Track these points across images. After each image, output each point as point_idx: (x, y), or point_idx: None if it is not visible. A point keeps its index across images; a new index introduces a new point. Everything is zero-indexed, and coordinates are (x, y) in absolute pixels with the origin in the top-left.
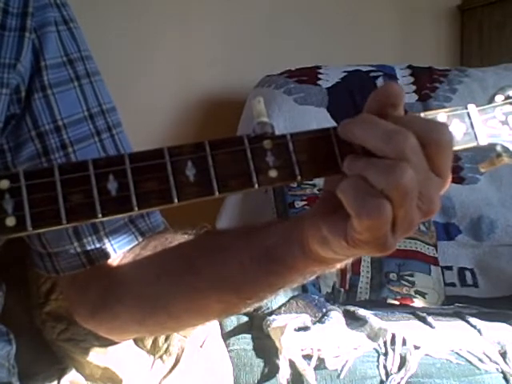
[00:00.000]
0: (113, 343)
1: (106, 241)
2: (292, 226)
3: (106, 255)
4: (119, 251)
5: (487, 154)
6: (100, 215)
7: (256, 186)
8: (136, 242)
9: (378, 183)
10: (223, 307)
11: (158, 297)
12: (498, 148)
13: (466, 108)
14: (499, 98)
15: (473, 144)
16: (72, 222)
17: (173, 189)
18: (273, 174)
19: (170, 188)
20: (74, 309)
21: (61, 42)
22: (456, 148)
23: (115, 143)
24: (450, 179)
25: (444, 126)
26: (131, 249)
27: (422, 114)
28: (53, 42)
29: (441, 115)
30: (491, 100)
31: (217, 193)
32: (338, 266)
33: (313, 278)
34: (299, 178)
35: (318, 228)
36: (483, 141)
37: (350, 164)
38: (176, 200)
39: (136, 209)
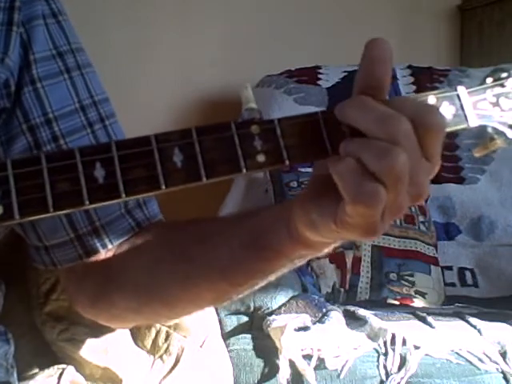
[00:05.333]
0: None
1: (102, 232)
2: (280, 211)
3: (103, 246)
4: (116, 242)
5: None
6: (87, 202)
7: (244, 170)
8: (132, 233)
9: (372, 166)
10: (216, 295)
11: (153, 285)
12: (490, 130)
13: (456, 90)
14: (490, 79)
15: (463, 126)
16: (59, 209)
17: (160, 175)
18: (261, 158)
19: (157, 174)
20: (74, 298)
21: (49, 35)
22: (446, 130)
23: (108, 134)
24: (439, 164)
25: (432, 109)
26: (128, 239)
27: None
28: (41, 36)
29: (430, 98)
30: (482, 82)
31: (204, 178)
32: (326, 250)
33: (303, 263)
34: (287, 162)
35: (307, 211)
36: (473, 122)
37: (345, 145)
38: (163, 186)
39: (123, 196)
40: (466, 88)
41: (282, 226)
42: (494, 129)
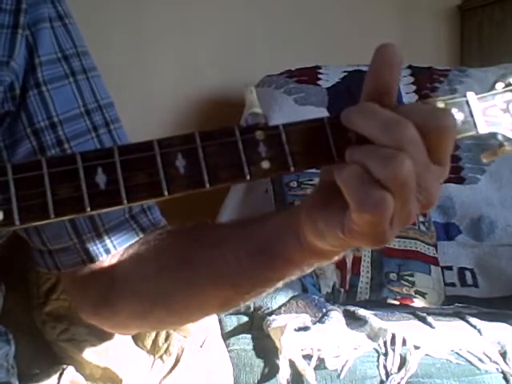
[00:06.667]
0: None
1: (105, 237)
2: (288, 219)
3: (107, 252)
4: (119, 248)
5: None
6: (88, 209)
7: (248, 177)
8: (137, 238)
9: (377, 173)
10: (222, 302)
11: (158, 293)
12: (499, 137)
13: (465, 96)
14: (500, 85)
15: (472, 132)
16: (60, 215)
17: (163, 181)
18: (265, 165)
19: (159, 180)
20: (78, 305)
21: (55, 38)
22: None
23: (113, 139)
24: (448, 168)
25: (445, 112)
26: (132, 244)
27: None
28: (47, 39)
29: (439, 103)
30: (492, 88)
31: (207, 185)
32: (336, 258)
33: (310, 270)
34: (292, 168)
35: (314, 221)
36: (483, 129)
37: (351, 152)
38: (166, 193)
39: (125, 202)
40: (476, 94)
41: (290, 235)
42: (504, 136)
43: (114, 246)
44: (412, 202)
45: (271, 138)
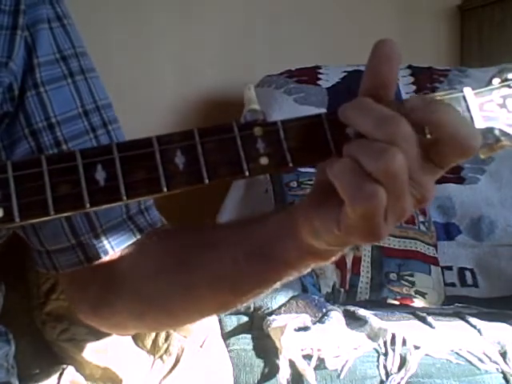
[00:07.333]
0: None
1: (103, 238)
2: (286, 220)
3: (104, 253)
4: (117, 248)
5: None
6: (88, 205)
7: (247, 173)
8: (134, 239)
9: (369, 167)
10: (220, 304)
11: (156, 295)
12: (496, 132)
13: (462, 91)
14: (496, 80)
15: None
16: (60, 212)
17: (162, 178)
18: (264, 161)
19: (158, 177)
20: (76, 306)
21: (54, 38)
22: None
23: (111, 139)
24: (447, 166)
25: (443, 105)
26: (130, 245)
27: None
28: (46, 39)
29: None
30: (488, 83)
31: (206, 181)
32: (333, 259)
33: (310, 270)
34: (291, 164)
35: (310, 220)
36: (480, 124)
37: (346, 147)
38: (165, 189)
39: (124, 198)
40: (473, 89)
41: (287, 237)
42: (501, 131)
43: (112, 247)
44: (405, 197)
45: (269, 134)
